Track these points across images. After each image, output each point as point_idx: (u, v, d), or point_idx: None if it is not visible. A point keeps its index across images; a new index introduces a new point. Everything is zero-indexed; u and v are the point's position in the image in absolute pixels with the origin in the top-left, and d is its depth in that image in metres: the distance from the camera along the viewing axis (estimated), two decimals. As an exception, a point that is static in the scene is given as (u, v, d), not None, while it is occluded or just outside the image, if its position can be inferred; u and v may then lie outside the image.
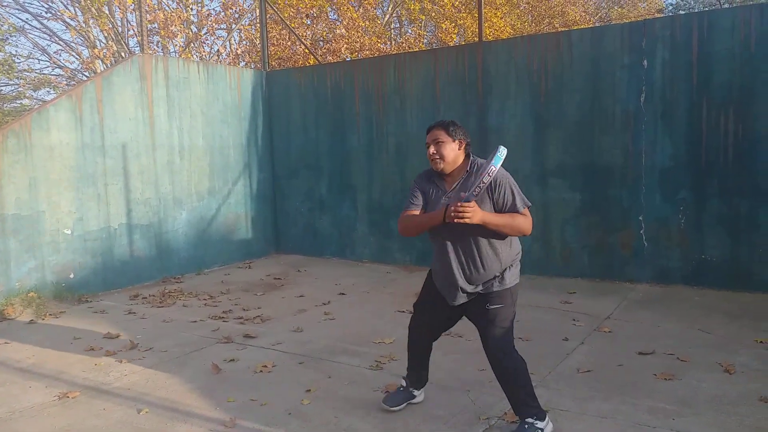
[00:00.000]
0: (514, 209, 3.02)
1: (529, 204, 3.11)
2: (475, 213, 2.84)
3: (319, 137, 8.60)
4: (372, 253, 8.26)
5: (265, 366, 4.21)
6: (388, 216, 8.08)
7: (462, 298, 3.14)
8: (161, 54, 14.47)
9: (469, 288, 3.11)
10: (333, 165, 8.51)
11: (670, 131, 6.25)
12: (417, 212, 3.18)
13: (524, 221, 3.02)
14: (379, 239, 8.21)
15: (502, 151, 2.85)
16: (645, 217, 6.40)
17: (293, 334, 5.01)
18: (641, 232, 6.43)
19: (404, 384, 3.55)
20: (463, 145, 3.15)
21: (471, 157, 3.17)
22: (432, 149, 3.11)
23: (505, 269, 3.10)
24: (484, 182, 2.82)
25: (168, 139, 7.52)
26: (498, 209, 3.02)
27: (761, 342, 4.46)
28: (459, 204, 2.84)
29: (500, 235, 3.04)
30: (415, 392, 3.55)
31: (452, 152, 3.09)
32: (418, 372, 3.51)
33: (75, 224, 6.50)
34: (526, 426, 3.03)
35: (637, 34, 6.37)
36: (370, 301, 6.10)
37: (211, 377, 4.06)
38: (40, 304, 5.91)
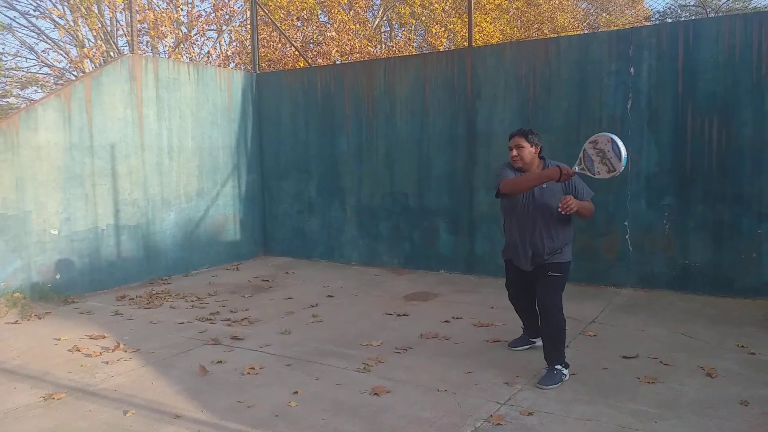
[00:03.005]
0: (583, 198, 3.90)
1: (593, 194, 4.01)
2: (575, 202, 3.71)
3: (308, 139, 8.62)
4: (360, 256, 8.29)
5: (253, 368, 4.22)
6: (377, 219, 8.11)
7: (534, 261, 3.94)
8: (151, 54, 14.41)
9: (545, 255, 3.89)
10: (322, 167, 8.53)
11: (655, 138, 6.33)
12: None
13: (592, 207, 3.97)
14: (367, 242, 8.23)
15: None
16: (630, 223, 6.48)
17: (281, 336, 5.02)
18: (626, 237, 6.51)
19: (523, 333, 4.53)
20: (539, 149, 3.94)
21: (545, 158, 3.98)
22: (514, 152, 3.91)
23: (566, 245, 3.94)
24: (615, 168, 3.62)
25: (157, 140, 7.51)
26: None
27: (743, 347, 4.53)
28: (568, 199, 3.69)
29: (565, 218, 3.91)
30: (533, 339, 4.47)
31: (529, 155, 3.91)
32: (530, 327, 4.42)
33: (62, 224, 6.46)
34: (555, 371, 3.85)
35: (624, 42, 6.45)
36: (359, 304, 6.12)
37: (198, 379, 4.06)
38: (25, 304, 5.87)
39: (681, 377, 3.96)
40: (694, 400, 3.59)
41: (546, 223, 3.90)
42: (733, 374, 3.99)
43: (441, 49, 15.56)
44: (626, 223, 6.50)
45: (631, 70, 6.42)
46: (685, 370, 4.09)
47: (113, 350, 4.66)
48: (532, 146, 3.89)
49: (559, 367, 3.89)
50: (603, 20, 18.33)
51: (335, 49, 14.42)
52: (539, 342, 4.41)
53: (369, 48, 15.54)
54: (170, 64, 7.75)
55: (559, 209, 3.74)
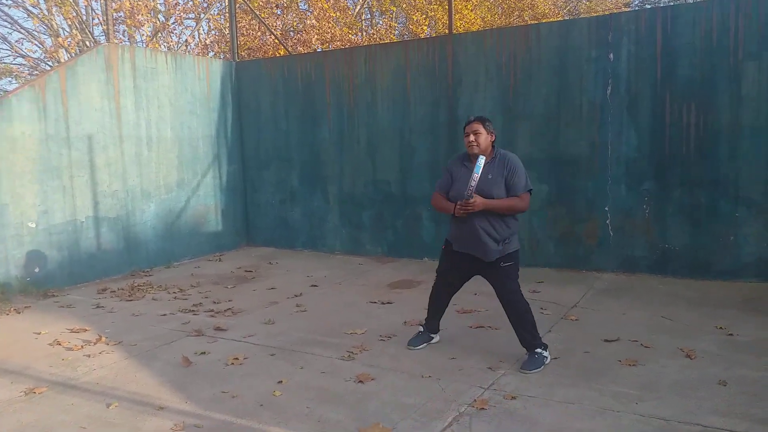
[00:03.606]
0: (515, 191, 3.89)
1: (531, 188, 3.98)
2: (476, 205, 3.80)
3: (289, 128, 8.56)
4: (344, 245, 8.28)
5: (237, 358, 4.20)
6: (360, 207, 8.10)
7: (485, 254, 3.93)
8: (127, 43, 14.19)
9: (497, 245, 3.91)
10: (304, 156, 8.48)
11: (635, 123, 6.39)
12: (442, 194, 4.09)
13: (518, 202, 3.90)
14: (350, 231, 8.22)
15: (481, 160, 3.77)
16: (610, 208, 6.54)
17: (265, 326, 5.00)
18: (607, 222, 6.57)
19: (422, 330, 4.43)
20: (493, 137, 4.01)
21: (495, 147, 4.03)
22: (471, 137, 3.94)
23: (511, 236, 3.95)
24: (472, 187, 3.75)
25: (135, 131, 7.40)
26: (507, 187, 3.90)
27: (721, 328, 4.61)
28: (462, 202, 3.81)
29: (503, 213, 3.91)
30: (433, 335, 4.44)
31: (485, 141, 3.96)
32: (435, 322, 4.40)
33: (40, 217, 6.36)
34: (536, 355, 3.91)
35: (603, 28, 6.48)
36: (342, 293, 6.12)
37: (182, 370, 4.04)
38: (3, 298, 5.78)
39: (661, 359, 4.02)
40: (674, 382, 3.65)
41: (490, 214, 3.89)
42: (712, 355, 4.06)
43: (422, 36, 15.50)
44: (607, 209, 6.56)
45: (611, 56, 6.45)
46: (665, 352, 4.16)
47: (95, 343, 4.62)
48: (488, 134, 3.97)
49: (539, 350, 3.95)
50: (583, 7, 18.40)
51: (315, 37, 14.31)
52: (437, 339, 4.46)
53: (350, 36, 15.45)
54: (147, 53, 7.63)
55: (457, 207, 3.87)
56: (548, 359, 3.97)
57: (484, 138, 3.95)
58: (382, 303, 5.64)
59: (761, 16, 5.78)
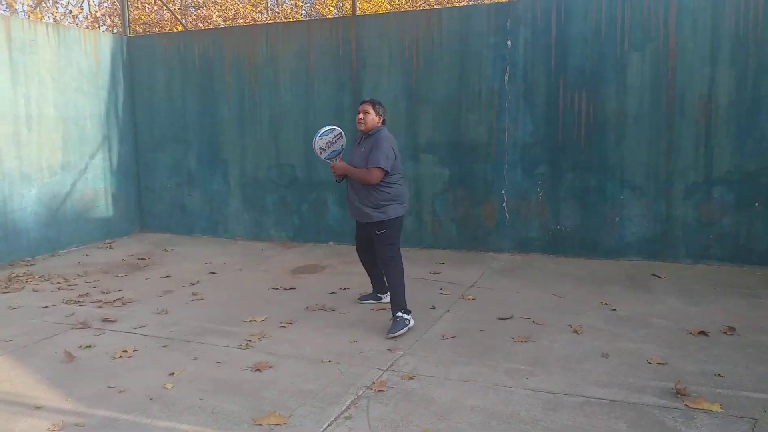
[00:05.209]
0: (370, 164, 4.30)
1: (378, 165, 4.27)
2: (336, 170, 4.48)
3: (186, 108, 8.17)
4: (246, 230, 8.05)
5: (125, 351, 3.98)
6: (263, 191, 7.89)
7: (360, 218, 4.49)
8: (7, 13, 12.98)
9: (363, 210, 4.40)
10: (202, 137, 8.13)
11: (530, 110, 6.61)
12: None
13: (365, 174, 4.31)
14: (253, 215, 8.00)
15: (322, 129, 4.55)
16: (507, 191, 6.76)
17: (157, 316, 4.77)
18: (503, 205, 6.80)
19: (371, 291, 4.99)
20: (381, 119, 4.46)
21: (380, 127, 4.45)
22: (360, 115, 4.42)
23: (384, 206, 4.35)
24: (321, 152, 4.53)
25: (12, 108, 6.78)
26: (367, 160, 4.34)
27: (605, 304, 4.90)
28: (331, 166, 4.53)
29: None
30: (381, 295, 4.93)
31: (372, 121, 4.41)
32: (376, 284, 4.90)
33: None
34: (398, 318, 4.29)
35: (502, 15, 6.63)
36: (243, 280, 5.95)
37: (64, 366, 3.77)
38: None
39: (551, 335, 4.21)
40: (562, 356, 3.83)
41: (355, 183, 4.42)
42: (597, 330, 4.30)
43: (329, 17, 15.28)
44: (503, 192, 6.78)
45: (509, 43, 6.62)
46: (554, 328, 4.36)
47: (-37, 340, 4.21)
48: (376, 115, 4.41)
49: (400, 314, 4.30)
50: (486, -6, 18.81)
51: (217, 13, 13.75)
52: (386, 299, 4.83)
53: (254, 14, 14.97)
54: (25, 24, 6.99)
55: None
56: (411, 322, 4.33)
57: (371, 118, 4.40)
58: (285, 289, 5.54)
59: (644, 9, 6.13)
